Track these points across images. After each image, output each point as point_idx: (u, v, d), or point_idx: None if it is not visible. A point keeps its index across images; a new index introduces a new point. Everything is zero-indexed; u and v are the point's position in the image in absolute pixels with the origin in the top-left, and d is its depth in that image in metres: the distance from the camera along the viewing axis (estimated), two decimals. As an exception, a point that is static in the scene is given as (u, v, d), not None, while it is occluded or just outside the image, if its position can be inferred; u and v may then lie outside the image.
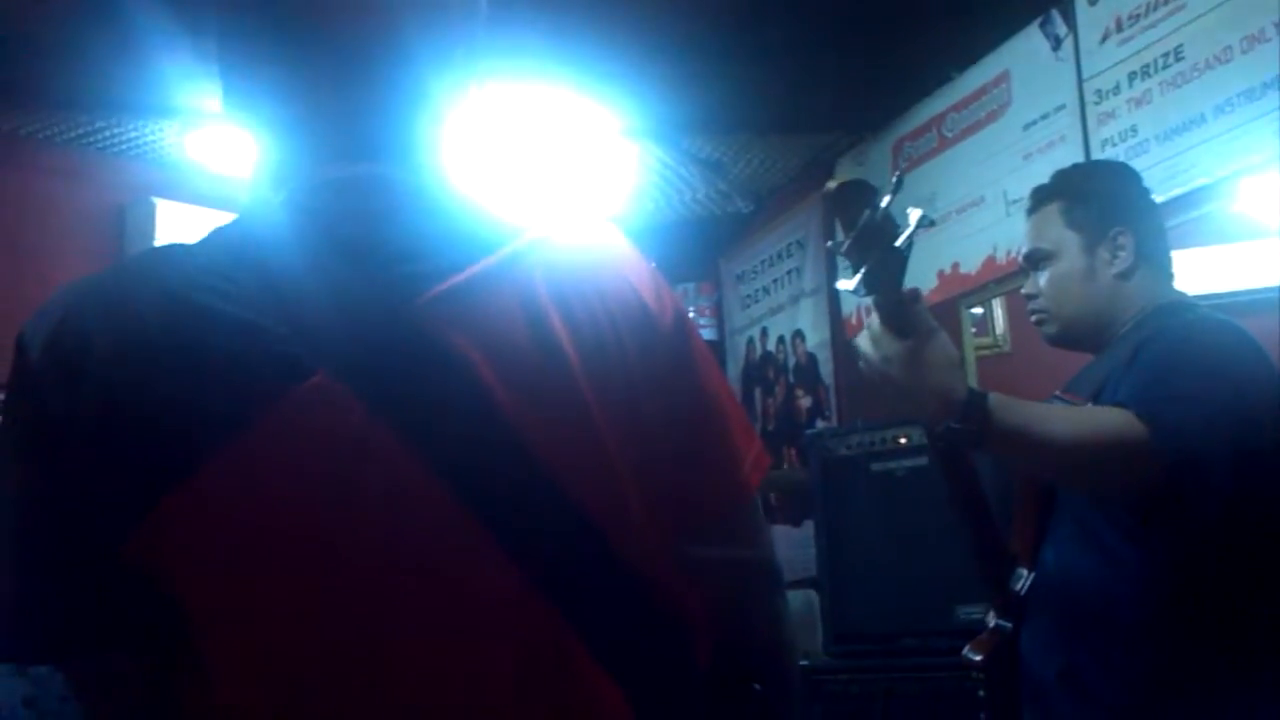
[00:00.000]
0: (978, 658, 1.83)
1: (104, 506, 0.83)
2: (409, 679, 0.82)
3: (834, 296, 4.18)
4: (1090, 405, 1.69)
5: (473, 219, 0.94)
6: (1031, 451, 1.59)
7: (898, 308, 1.49)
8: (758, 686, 0.98)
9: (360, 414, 0.83)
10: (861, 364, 1.55)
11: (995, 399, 1.52)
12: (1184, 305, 1.80)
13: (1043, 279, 1.88)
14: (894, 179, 1.42)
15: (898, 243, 1.41)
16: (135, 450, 0.82)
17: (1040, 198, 1.92)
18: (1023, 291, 1.95)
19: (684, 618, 0.92)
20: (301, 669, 0.83)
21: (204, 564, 0.83)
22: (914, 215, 1.41)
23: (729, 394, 1.04)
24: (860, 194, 1.44)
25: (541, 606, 0.84)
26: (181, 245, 0.93)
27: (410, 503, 0.83)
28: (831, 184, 1.47)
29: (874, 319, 1.51)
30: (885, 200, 1.40)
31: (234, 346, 0.84)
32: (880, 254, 1.41)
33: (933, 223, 1.41)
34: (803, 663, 3.13)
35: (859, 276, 1.43)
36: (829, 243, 1.49)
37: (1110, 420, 1.57)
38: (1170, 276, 1.86)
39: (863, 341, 1.55)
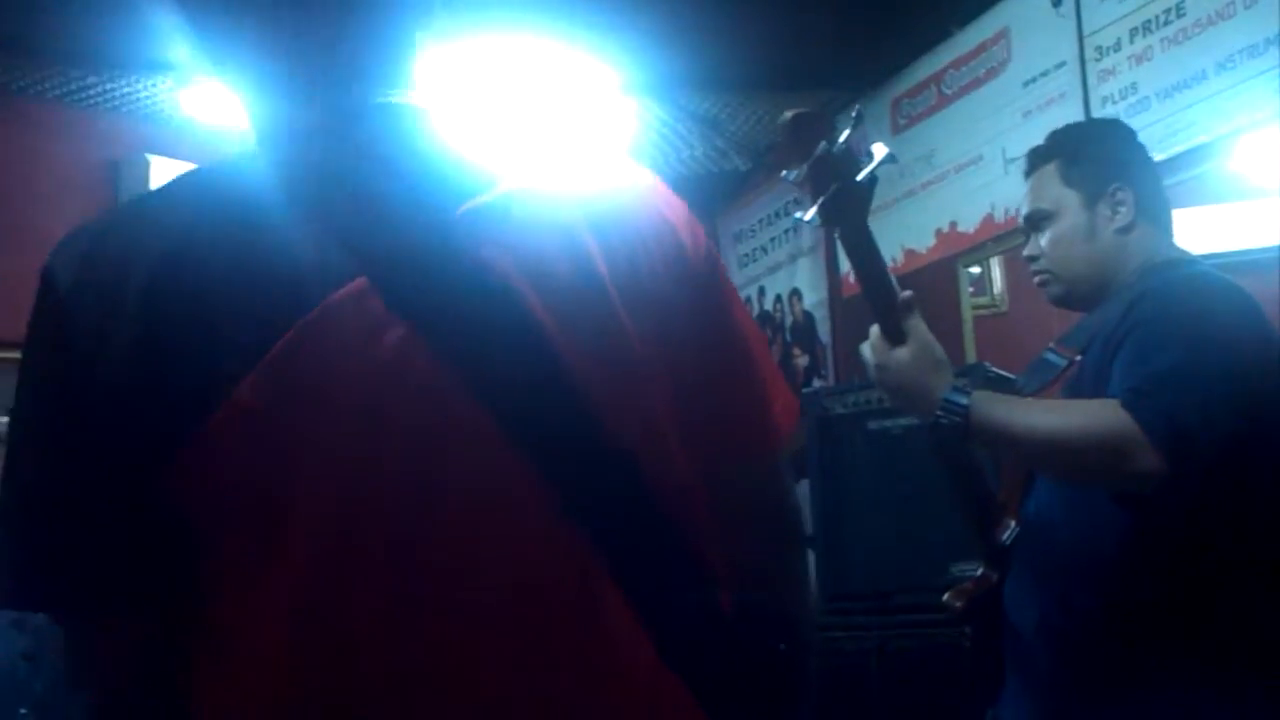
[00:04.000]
0: (958, 604, 1.84)
1: (141, 438, 0.81)
2: (437, 600, 0.81)
3: (832, 255, 4.16)
4: (1075, 400, 1.66)
5: (477, 151, 0.92)
6: (1015, 449, 1.67)
7: (890, 316, 1.58)
8: (782, 646, 0.97)
9: (398, 325, 0.82)
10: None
11: (976, 399, 1.58)
12: (1184, 261, 1.78)
13: (1044, 240, 1.86)
14: (854, 114, 1.49)
15: (859, 177, 1.44)
16: (177, 372, 0.80)
17: (1037, 159, 1.90)
18: (1025, 254, 1.92)
19: (710, 561, 0.91)
20: (329, 593, 0.81)
21: (239, 484, 0.81)
22: (879, 151, 1.44)
23: (759, 337, 1.03)
24: (816, 125, 1.46)
25: (571, 532, 0.83)
26: (212, 166, 0.92)
27: (444, 421, 0.82)
28: (787, 114, 1.48)
29: (874, 329, 1.62)
30: (845, 134, 1.44)
31: (278, 253, 0.82)
32: (839, 186, 1.45)
33: (895, 159, 1.47)
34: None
35: (815, 207, 1.47)
36: (781, 172, 1.52)
37: (1098, 419, 1.54)
38: (1170, 233, 1.85)
39: (865, 349, 1.66)
